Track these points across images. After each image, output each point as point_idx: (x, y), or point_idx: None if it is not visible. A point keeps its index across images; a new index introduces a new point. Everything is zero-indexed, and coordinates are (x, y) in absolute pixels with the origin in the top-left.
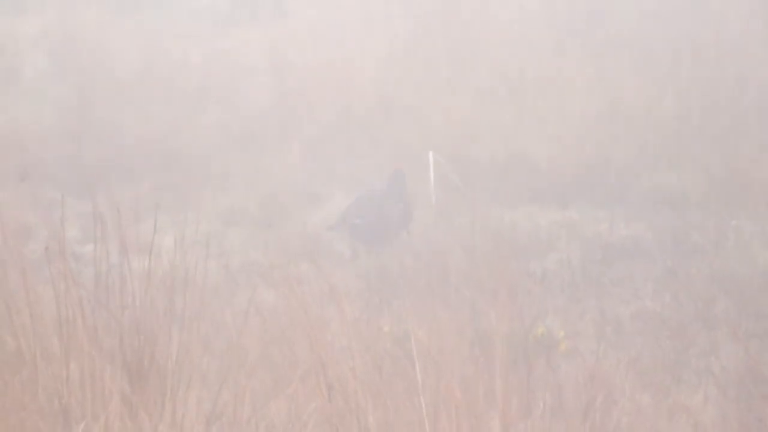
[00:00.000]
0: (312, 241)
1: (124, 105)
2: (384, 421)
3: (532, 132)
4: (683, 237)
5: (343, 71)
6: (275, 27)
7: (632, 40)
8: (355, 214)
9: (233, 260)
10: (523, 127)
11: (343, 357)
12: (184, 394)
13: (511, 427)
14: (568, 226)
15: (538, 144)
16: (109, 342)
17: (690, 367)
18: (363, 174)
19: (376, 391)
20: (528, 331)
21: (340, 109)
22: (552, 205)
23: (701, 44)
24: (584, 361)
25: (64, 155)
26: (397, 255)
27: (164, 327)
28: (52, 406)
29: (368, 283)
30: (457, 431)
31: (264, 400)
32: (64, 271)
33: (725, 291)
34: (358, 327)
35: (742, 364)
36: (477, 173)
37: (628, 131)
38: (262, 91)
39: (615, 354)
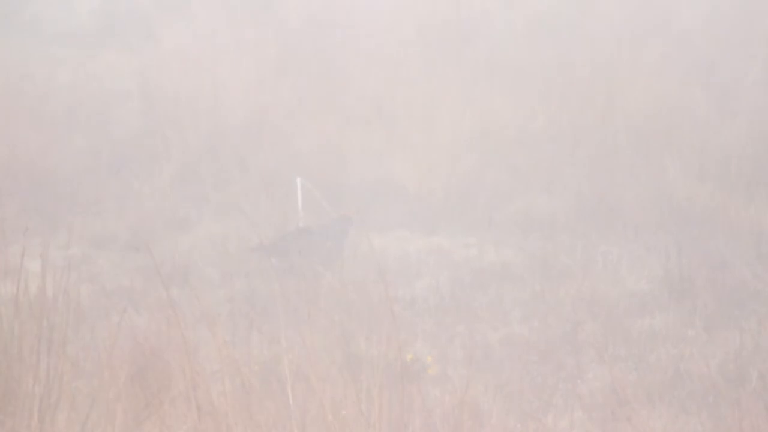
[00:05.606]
0: (182, 265)
1: None
2: None
3: (402, 156)
4: (552, 261)
5: (213, 96)
6: (145, 52)
7: (503, 62)
8: (288, 245)
9: (104, 284)
10: (393, 151)
11: (214, 379)
12: (52, 417)
13: None
14: (437, 251)
15: (407, 168)
16: None
17: (557, 390)
18: (233, 199)
19: (247, 413)
20: (397, 356)
21: (209, 134)
22: (421, 230)
23: (572, 67)
24: (453, 386)
25: None
26: (267, 279)
27: (33, 350)
28: None
29: (238, 306)
30: None
31: (135, 421)
32: None
33: (592, 314)
34: (229, 350)
35: (608, 387)
36: (346, 198)
37: (498, 155)
38: (131, 115)
39: (484, 378)
